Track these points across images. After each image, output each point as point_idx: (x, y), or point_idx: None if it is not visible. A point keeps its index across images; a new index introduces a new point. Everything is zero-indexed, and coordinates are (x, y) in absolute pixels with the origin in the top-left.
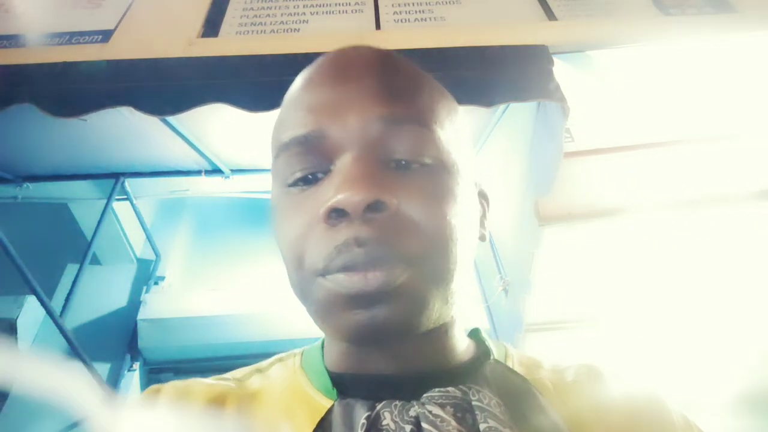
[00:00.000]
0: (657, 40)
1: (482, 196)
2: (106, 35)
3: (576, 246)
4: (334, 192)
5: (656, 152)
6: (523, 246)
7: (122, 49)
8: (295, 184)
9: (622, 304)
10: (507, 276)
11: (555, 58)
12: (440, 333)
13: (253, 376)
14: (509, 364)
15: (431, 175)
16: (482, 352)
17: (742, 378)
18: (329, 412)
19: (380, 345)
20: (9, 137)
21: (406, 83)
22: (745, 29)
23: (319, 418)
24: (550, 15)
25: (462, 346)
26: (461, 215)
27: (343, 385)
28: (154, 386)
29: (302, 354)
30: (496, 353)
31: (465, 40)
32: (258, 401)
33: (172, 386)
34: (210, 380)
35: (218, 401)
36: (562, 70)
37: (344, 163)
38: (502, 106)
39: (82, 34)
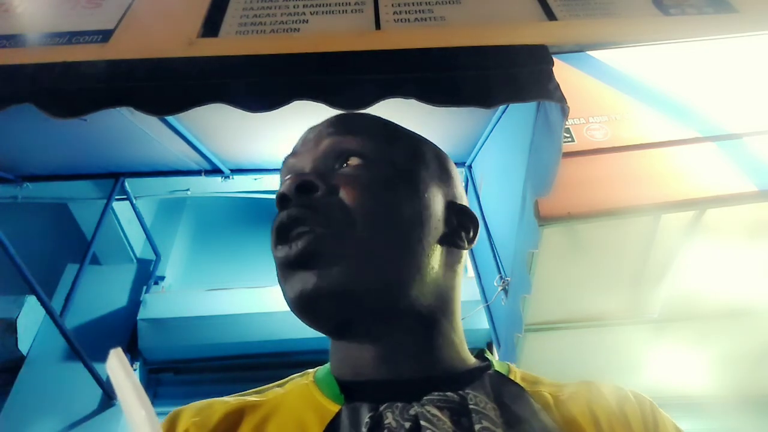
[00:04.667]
0: (657, 40)
1: (461, 213)
2: (106, 35)
3: (576, 246)
4: None
5: (656, 152)
6: (523, 246)
7: (122, 49)
8: None
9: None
10: (507, 276)
11: (555, 58)
12: (427, 332)
13: (272, 390)
14: (511, 377)
15: (366, 169)
16: (484, 365)
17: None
18: (337, 415)
19: (334, 322)
20: (9, 137)
21: (358, 122)
22: (745, 29)
23: (328, 422)
24: (550, 15)
25: (466, 360)
26: (389, 203)
27: (350, 391)
28: (175, 410)
29: (315, 371)
30: (498, 367)
31: (465, 40)
32: (274, 410)
33: (192, 406)
34: (229, 397)
35: (237, 412)
36: (561, 70)
37: None
38: (502, 106)
39: (82, 34)
